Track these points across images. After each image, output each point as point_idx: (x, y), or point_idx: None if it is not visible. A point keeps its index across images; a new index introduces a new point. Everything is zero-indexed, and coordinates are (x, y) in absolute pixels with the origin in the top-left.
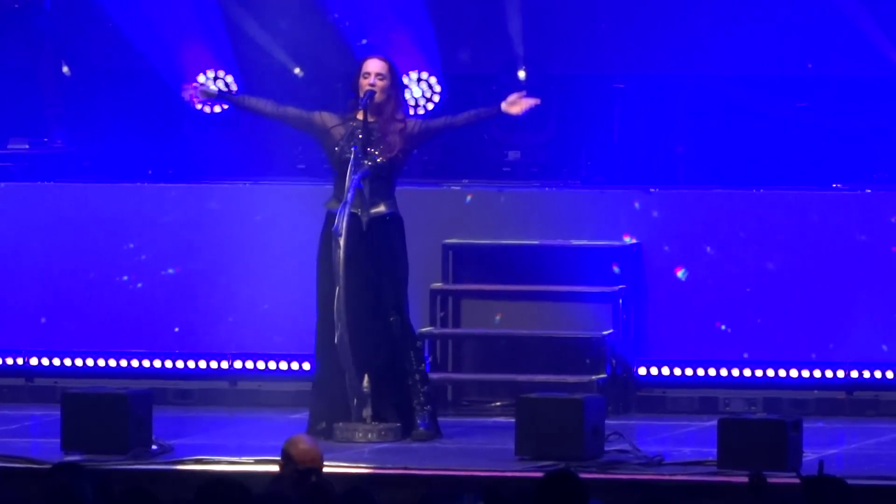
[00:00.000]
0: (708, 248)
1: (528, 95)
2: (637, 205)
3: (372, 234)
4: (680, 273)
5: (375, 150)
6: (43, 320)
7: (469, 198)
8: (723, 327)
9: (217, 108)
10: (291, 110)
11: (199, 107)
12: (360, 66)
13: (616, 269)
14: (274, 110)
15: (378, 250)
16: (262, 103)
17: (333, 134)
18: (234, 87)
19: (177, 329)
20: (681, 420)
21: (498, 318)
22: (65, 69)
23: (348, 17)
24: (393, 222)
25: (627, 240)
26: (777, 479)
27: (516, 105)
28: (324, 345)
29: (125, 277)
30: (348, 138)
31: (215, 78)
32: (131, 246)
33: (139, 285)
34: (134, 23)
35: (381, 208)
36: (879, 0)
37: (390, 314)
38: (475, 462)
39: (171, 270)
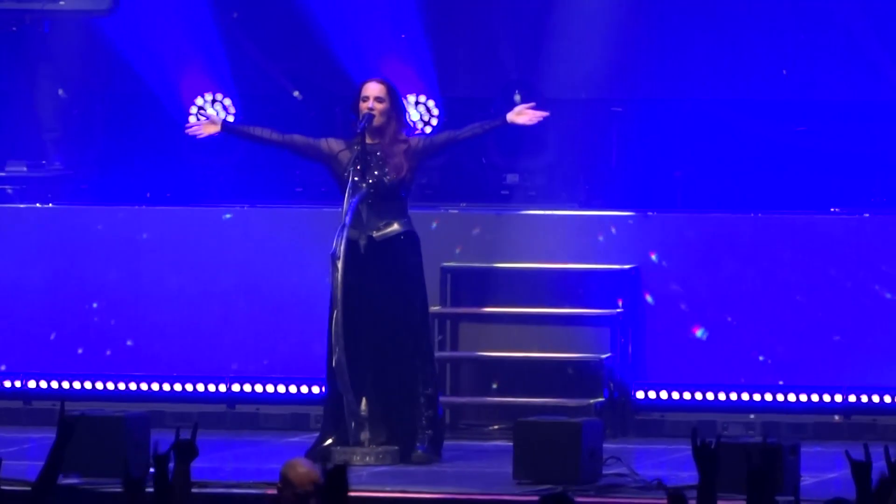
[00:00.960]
0: (705, 272)
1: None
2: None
3: (385, 253)
4: (699, 332)
5: (378, 172)
6: (53, 335)
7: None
8: (709, 352)
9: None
10: (298, 138)
11: (201, 135)
12: (359, 90)
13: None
14: (280, 139)
15: (390, 271)
16: (268, 133)
17: (340, 159)
18: (232, 110)
19: (174, 352)
20: (679, 444)
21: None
22: (60, 92)
23: (346, 41)
24: (408, 241)
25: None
26: None
27: (524, 115)
28: (331, 368)
29: (124, 297)
30: (352, 162)
31: (213, 101)
32: (129, 269)
33: (137, 308)
34: (132, 46)
35: (395, 227)
36: (879, 24)
37: (402, 335)
38: (472, 485)
39: (165, 294)
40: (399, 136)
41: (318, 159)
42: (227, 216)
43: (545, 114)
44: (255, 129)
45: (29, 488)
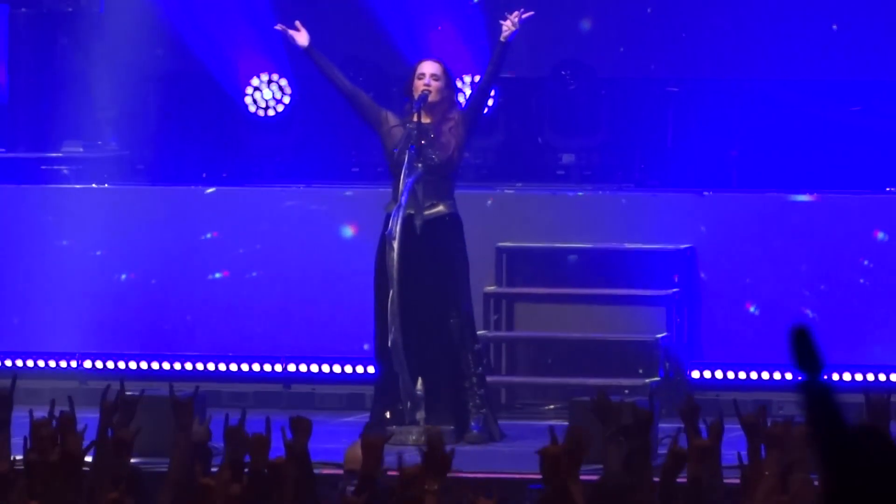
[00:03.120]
0: (761, 251)
1: (583, 97)
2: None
3: (430, 235)
4: (752, 308)
5: (431, 151)
6: (110, 315)
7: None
8: (752, 309)
9: (271, 112)
10: (364, 97)
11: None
12: (414, 69)
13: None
14: (350, 86)
15: (436, 251)
16: (342, 77)
17: (392, 134)
18: (288, 91)
19: (230, 332)
20: (734, 423)
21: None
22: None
23: (402, 22)
24: (452, 223)
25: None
26: None
27: (506, 27)
28: (383, 348)
29: (181, 277)
30: (405, 140)
31: (269, 81)
32: (186, 249)
33: (194, 288)
34: (188, 26)
35: (441, 208)
36: None
37: (450, 316)
38: (527, 465)
39: (221, 274)
40: (449, 114)
41: (372, 123)
42: (289, 203)
43: (527, 13)
44: (333, 67)
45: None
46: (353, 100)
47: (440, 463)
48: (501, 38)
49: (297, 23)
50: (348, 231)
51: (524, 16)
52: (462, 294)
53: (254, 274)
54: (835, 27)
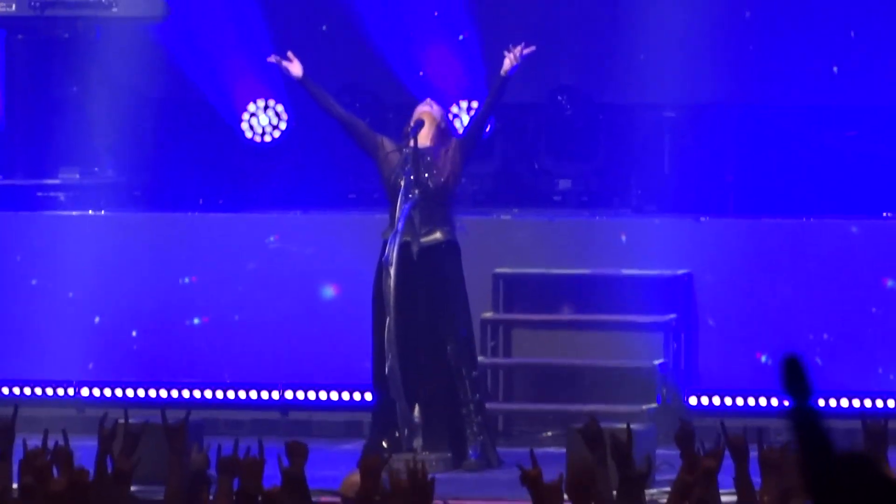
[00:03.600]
0: (758, 277)
1: (579, 123)
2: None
3: (427, 261)
4: (763, 358)
5: (427, 176)
6: (108, 342)
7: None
8: (763, 358)
9: (268, 138)
10: (360, 124)
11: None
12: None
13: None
14: (346, 115)
15: (433, 278)
16: (338, 105)
17: (390, 159)
18: (284, 117)
19: (227, 359)
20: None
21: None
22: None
23: (399, 48)
24: (449, 249)
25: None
26: None
27: (507, 60)
28: (380, 374)
29: (177, 303)
30: (401, 166)
31: (266, 107)
32: (185, 279)
33: (190, 315)
34: (184, 52)
35: (438, 235)
36: None
37: (447, 342)
38: (524, 492)
39: (222, 300)
40: (445, 140)
41: (368, 150)
42: (271, 239)
43: (529, 48)
44: (328, 95)
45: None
46: (349, 127)
47: (422, 490)
48: (502, 72)
49: (290, 53)
50: (329, 291)
51: (525, 51)
52: (460, 320)
53: (251, 300)
54: (835, 69)
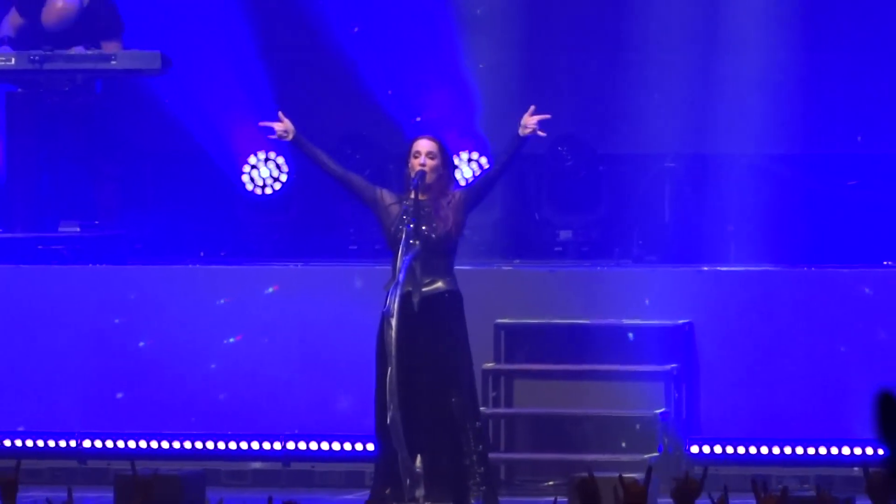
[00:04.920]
0: (759, 326)
1: (580, 173)
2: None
3: (429, 312)
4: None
5: (426, 228)
6: (108, 394)
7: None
8: (763, 406)
9: (269, 190)
10: (356, 179)
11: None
12: (410, 147)
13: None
14: (341, 172)
15: (436, 328)
16: (333, 163)
17: (390, 212)
18: (285, 169)
19: (228, 409)
20: (734, 499)
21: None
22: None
23: (398, 97)
24: (451, 299)
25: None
26: None
27: (529, 127)
28: (382, 425)
29: (179, 356)
30: (401, 217)
31: (266, 160)
32: (184, 328)
33: (192, 366)
34: (184, 105)
35: (440, 285)
36: None
37: (450, 394)
38: None
39: (223, 351)
40: (447, 192)
41: (367, 204)
42: (270, 290)
43: (546, 116)
44: (322, 154)
45: None
46: (345, 183)
47: None
48: (520, 133)
49: (280, 113)
50: (348, 308)
51: (542, 117)
52: (463, 370)
53: (253, 352)
54: (860, 139)
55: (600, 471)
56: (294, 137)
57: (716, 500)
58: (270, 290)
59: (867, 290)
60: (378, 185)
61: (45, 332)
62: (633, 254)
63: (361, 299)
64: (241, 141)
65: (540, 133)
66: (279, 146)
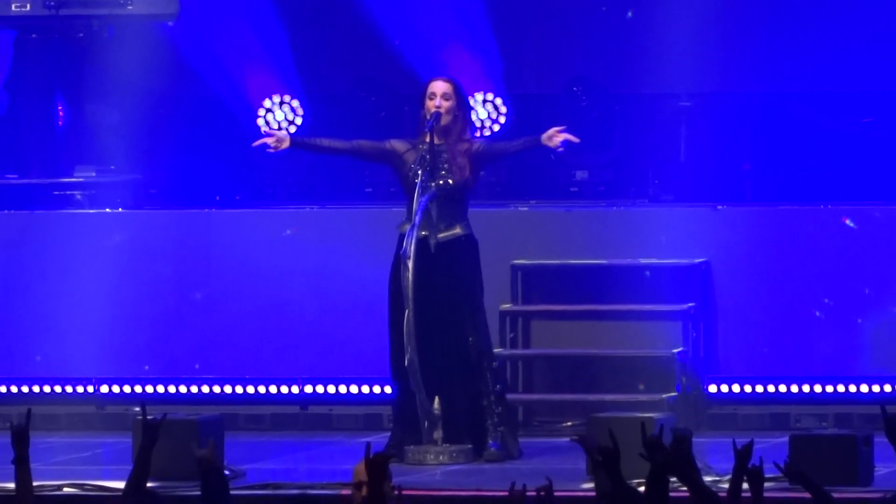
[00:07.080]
0: (776, 264)
1: (595, 113)
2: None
3: (445, 256)
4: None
5: (444, 172)
6: (125, 339)
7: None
8: (781, 345)
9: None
10: (364, 144)
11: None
12: (425, 88)
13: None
14: (347, 147)
15: (451, 273)
16: (337, 143)
17: (406, 159)
18: (300, 112)
19: (246, 354)
20: (752, 437)
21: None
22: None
23: (413, 39)
24: (467, 244)
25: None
26: (848, 493)
27: (554, 139)
28: (399, 367)
29: (196, 300)
30: (418, 162)
31: (281, 103)
32: (200, 272)
33: (208, 311)
34: (198, 50)
35: (456, 230)
36: None
37: (466, 335)
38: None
39: (240, 296)
40: (464, 135)
41: (384, 161)
42: (288, 232)
43: (575, 139)
44: (323, 141)
45: (102, 493)
46: (357, 153)
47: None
48: (542, 140)
49: (269, 129)
50: (363, 250)
51: (570, 138)
52: (477, 313)
53: (269, 296)
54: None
55: (618, 411)
56: (291, 143)
57: (739, 448)
58: (288, 231)
59: (884, 227)
60: (389, 137)
61: (59, 278)
62: (648, 193)
63: (376, 241)
64: (256, 85)
65: (559, 149)
66: (294, 89)
